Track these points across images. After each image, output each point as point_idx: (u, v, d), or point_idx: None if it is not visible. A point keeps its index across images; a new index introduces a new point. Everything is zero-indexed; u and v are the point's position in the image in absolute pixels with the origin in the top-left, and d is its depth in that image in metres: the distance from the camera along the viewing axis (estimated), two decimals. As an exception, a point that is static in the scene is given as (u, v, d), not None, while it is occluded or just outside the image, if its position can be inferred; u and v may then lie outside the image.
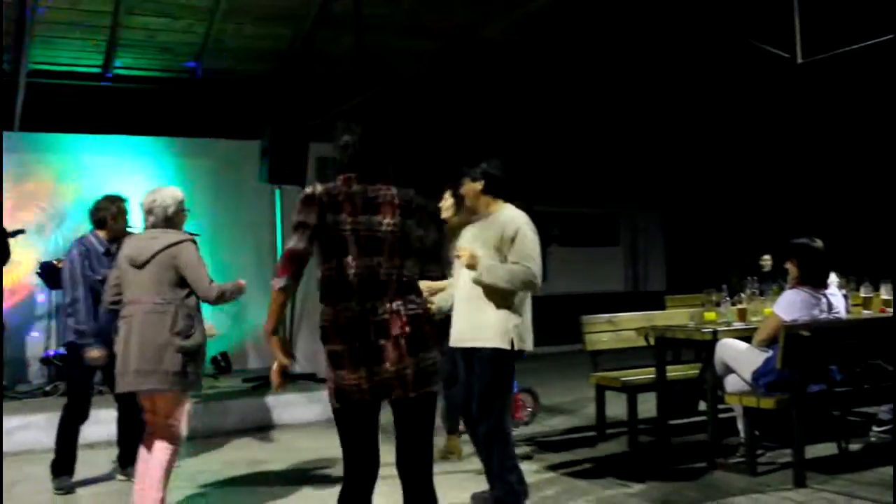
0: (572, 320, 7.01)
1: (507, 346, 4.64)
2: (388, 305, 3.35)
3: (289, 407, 7.98)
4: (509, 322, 4.66)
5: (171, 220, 4.85)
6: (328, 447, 5.93)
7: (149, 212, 4.84)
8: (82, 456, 5.88)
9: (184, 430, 4.84)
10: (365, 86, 9.00)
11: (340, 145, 3.52)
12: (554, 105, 12.28)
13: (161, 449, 4.70)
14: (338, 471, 3.87)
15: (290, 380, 3.45)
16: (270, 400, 7.95)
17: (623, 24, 10.07)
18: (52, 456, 5.74)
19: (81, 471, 5.88)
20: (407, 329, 3.36)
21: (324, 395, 7.69)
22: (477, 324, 4.68)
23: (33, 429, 6.92)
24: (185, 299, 4.69)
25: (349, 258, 3.33)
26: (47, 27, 8.79)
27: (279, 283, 3.37)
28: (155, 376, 4.55)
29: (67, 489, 5.69)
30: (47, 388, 8.20)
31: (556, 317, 8.70)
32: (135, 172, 9.26)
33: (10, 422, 6.94)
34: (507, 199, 4.89)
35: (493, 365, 4.68)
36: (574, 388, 8.37)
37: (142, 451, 4.81)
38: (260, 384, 8.52)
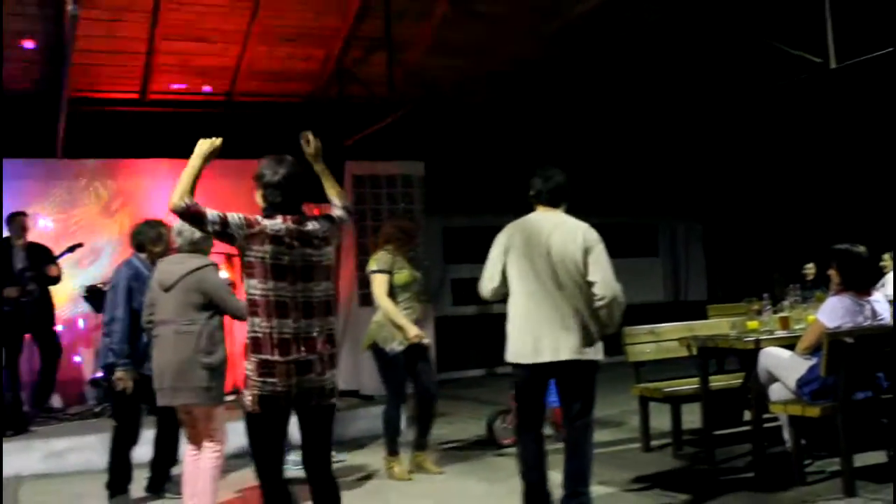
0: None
1: None
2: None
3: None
4: None
5: (196, 244, 5.04)
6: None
7: (178, 234, 5.07)
8: (139, 475, 5.91)
9: (224, 437, 5.04)
10: (397, 105, 9.06)
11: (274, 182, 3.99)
12: (592, 116, 12.29)
13: (207, 458, 4.94)
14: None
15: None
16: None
17: (657, 34, 10.07)
18: (105, 476, 5.78)
19: (137, 490, 5.93)
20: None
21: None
22: None
23: (86, 450, 6.99)
24: (208, 320, 4.93)
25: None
26: (86, 55, 8.93)
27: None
28: (184, 392, 4.85)
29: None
30: (97, 410, 8.29)
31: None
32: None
33: (61, 443, 7.11)
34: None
35: None
36: (618, 401, 8.32)
37: (187, 465, 5.02)
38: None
